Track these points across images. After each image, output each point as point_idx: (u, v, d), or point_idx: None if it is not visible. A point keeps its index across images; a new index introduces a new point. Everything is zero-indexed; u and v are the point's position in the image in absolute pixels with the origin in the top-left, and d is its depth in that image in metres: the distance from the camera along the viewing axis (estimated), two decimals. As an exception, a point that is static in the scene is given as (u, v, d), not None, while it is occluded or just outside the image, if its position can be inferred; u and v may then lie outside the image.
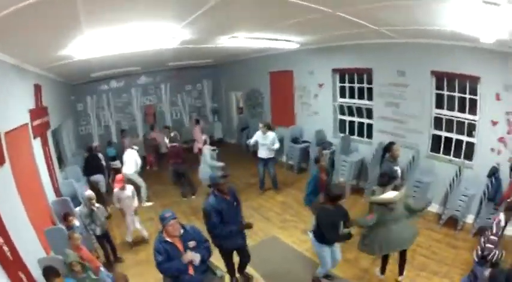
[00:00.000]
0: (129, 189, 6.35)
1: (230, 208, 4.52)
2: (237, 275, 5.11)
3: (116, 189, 6.31)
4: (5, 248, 3.39)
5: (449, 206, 5.75)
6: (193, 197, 8.45)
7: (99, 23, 3.76)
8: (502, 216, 3.99)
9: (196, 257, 3.84)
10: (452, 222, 5.80)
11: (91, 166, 8.64)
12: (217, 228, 4.42)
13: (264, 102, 11.25)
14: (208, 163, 7.82)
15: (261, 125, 8.03)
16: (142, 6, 3.38)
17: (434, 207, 6.43)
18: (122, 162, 8.70)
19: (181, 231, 3.86)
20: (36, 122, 5.92)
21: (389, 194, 4.28)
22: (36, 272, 3.83)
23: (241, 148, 11.51)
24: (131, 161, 8.24)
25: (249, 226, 4.74)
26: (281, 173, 9.18)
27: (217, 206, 4.39)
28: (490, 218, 5.04)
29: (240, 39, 6.14)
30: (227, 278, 4.91)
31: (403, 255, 4.56)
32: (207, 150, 8.06)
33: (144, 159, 10.01)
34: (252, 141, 8.18)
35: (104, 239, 5.82)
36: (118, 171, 9.87)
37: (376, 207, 4.33)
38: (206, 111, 14.63)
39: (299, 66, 9.27)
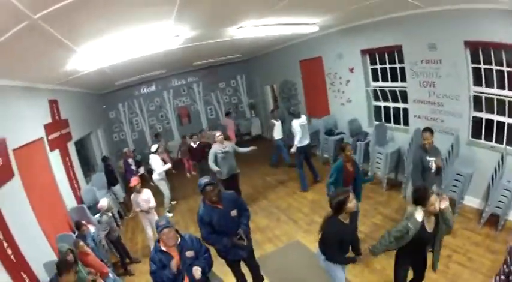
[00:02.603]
0: (146, 192, 6.24)
1: (223, 218, 4.06)
2: None
3: (133, 194, 6.26)
4: (9, 251, 3.80)
5: (491, 202, 4.81)
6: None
7: (84, 39, 3.85)
8: None
9: (196, 271, 3.52)
10: (494, 221, 4.91)
11: (107, 177, 8.50)
12: (210, 240, 4.07)
13: (298, 93, 10.67)
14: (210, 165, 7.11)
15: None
16: (115, 10, 3.30)
17: (475, 203, 5.54)
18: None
19: (178, 240, 3.61)
20: (52, 135, 6.27)
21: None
22: (43, 275, 4.23)
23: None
24: (153, 166, 8.06)
25: (240, 245, 4.17)
26: (317, 168, 8.54)
27: (205, 216, 4.03)
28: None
29: (250, 29, 5.71)
30: None
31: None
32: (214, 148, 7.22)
33: (180, 163, 9.92)
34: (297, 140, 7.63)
35: (117, 244, 6.04)
36: (144, 177, 10.27)
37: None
38: (243, 107, 14.40)
39: (327, 50, 8.60)
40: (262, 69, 12.87)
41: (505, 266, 3.22)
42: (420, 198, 3.29)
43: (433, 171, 4.70)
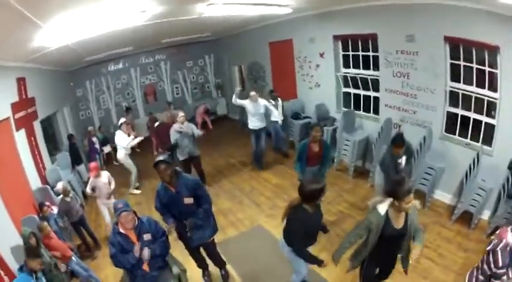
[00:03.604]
0: (105, 175, 6.16)
1: (173, 202, 3.95)
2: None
3: (91, 178, 6.11)
4: None
5: (464, 199, 4.89)
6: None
7: (50, 14, 3.67)
8: (510, 236, 3.07)
9: (145, 252, 3.57)
10: (467, 217, 4.98)
11: (71, 156, 8.26)
12: (160, 211, 4.07)
13: (266, 75, 10.54)
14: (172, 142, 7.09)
15: (252, 93, 7.52)
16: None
17: (446, 198, 5.64)
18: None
19: (136, 222, 3.61)
20: (19, 114, 6.16)
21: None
22: (8, 257, 4.26)
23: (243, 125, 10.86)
24: (119, 142, 7.76)
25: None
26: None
27: (161, 194, 3.98)
28: (507, 218, 4.25)
29: (220, 7, 5.51)
30: (197, 273, 4.68)
31: None
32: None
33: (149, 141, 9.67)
34: (237, 101, 7.64)
35: (80, 226, 5.91)
36: (109, 155, 10.43)
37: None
38: (210, 87, 14.23)
39: (298, 34, 8.44)
40: (231, 50, 12.63)
41: (485, 266, 3.25)
42: (395, 192, 2.87)
43: (402, 167, 4.76)
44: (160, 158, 3.82)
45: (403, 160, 4.72)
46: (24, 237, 4.16)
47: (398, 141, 4.64)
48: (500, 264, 3.05)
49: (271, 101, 8.14)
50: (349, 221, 5.47)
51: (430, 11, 5.13)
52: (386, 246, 3.11)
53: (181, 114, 7.04)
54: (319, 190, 3.19)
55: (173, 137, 6.94)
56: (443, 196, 5.66)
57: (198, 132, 7.15)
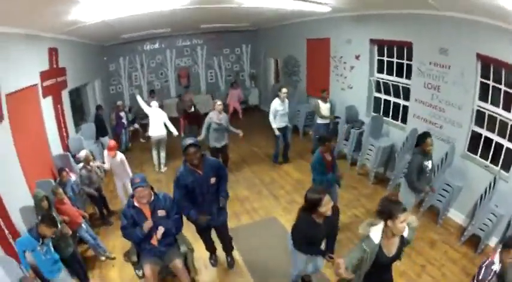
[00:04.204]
0: (119, 156, 6.21)
1: (200, 184, 3.93)
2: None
3: (107, 155, 6.21)
4: None
5: (475, 222, 4.74)
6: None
7: None
8: (496, 257, 3.01)
9: (159, 230, 3.66)
10: (475, 241, 4.83)
11: (97, 127, 8.44)
12: (180, 206, 3.93)
13: (301, 71, 10.50)
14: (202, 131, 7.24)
15: (283, 90, 7.52)
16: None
17: (459, 218, 5.50)
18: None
19: (152, 198, 3.67)
20: (47, 82, 6.29)
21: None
22: (16, 216, 4.21)
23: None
24: (160, 122, 7.97)
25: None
26: (307, 149, 8.77)
27: (182, 178, 3.90)
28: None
29: None
30: (206, 255, 4.80)
31: None
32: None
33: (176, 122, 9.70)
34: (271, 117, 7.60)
35: (97, 196, 6.00)
36: (136, 132, 10.62)
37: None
38: (244, 76, 14.26)
39: (336, 34, 8.35)
40: (269, 42, 12.66)
41: None
42: (390, 210, 2.66)
43: (428, 174, 4.69)
44: (191, 141, 3.82)
45: (429, 164, 4.62)
46: (36, 199, 4.25)
47: (430, 135, 4.55)
48: (481, 277, 3.03)
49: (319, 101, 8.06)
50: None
51: (464, 26, 4.97)
52: (378, 274, 2.91)
53: (219, 102, 7.09)
54: (317, 200, 3.15)
55: (206, 125, 7.03)
56: (457, 216, 5.53)
57: (234, 131, 7.25)
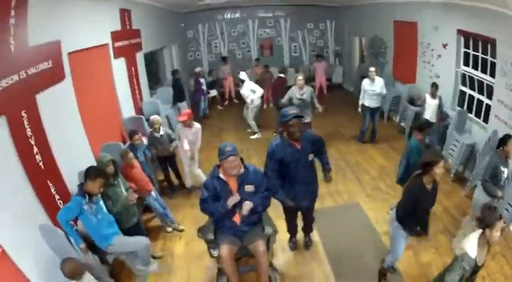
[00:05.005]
0: (195, 129, 5.71)
1: (297, 160, 3.62)
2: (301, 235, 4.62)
3: (179, 125, 5.76)
4: (38, 158, 3.48)
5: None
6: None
7: None
8: None
9: (246, 205, 3.26)
10: None
11: (174, 92, 8.33)
12: (270, 180, 3.60)
13: (387, 53, 10.07)
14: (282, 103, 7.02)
15: (371, 69, 7.48)
16: None
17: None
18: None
19: (241, 170, 3.31)
20: (119, 43, 6.30)
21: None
22: (73, 180, 3.98)
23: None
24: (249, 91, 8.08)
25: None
26: (392, 135, 8.60)
27: (278, 151, 3.56)
28: None
29: None
30: (284, 237, 4.61)
31: None
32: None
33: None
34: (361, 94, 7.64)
35: (167, 162, 5.82)
36: (215, 99, 10.62)
37: None
38: (328, 53, 13.96)
39: (424, 18, 7.87)
40: (353, 20, 12.23)
41: None
42: (491, 219, 2.58)
43: (502, 183, 4.42)
44: (295, 111, 3.51)
45: (505, 172, 4.36)
46: (100, 163, 3.89)
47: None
48: None
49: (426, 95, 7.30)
50: (439, 224, 5.18)
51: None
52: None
53: (300, 77, 6.85)
54: (432, 161, 3.20)
55: (287, 97, 6.90)
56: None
57: (316, 104, 7.08)
